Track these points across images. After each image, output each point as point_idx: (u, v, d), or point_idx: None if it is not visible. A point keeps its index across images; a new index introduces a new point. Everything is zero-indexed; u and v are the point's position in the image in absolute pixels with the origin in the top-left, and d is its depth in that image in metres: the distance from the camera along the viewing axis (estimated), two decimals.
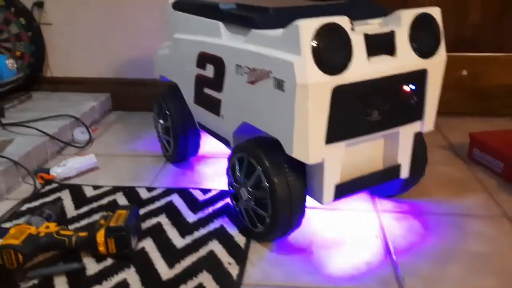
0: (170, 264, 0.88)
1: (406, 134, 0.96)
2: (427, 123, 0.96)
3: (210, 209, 1.08)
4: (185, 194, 1.15)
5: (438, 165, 1.33)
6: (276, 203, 0.87)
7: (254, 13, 0.91)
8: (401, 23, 0.87)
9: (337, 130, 0.84)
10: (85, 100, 1.71)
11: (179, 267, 0.88)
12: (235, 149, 0.96)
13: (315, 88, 0.77)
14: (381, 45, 0.86)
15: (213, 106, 1.06)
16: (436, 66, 0.92)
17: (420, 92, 0.92)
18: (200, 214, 1.06)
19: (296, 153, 0.83)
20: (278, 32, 0.83)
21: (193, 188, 1.18)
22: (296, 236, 0.97)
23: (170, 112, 1.25)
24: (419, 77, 0.91)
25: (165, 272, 0.86)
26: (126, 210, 0.95)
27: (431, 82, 0.92)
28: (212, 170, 1.30)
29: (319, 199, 0.90)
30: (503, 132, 1.37)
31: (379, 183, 1.00)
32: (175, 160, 1.32)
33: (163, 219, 1.04)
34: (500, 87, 1.67)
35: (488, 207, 1.10)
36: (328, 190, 0.89)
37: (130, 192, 1.16)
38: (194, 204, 1.10)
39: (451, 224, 1.03)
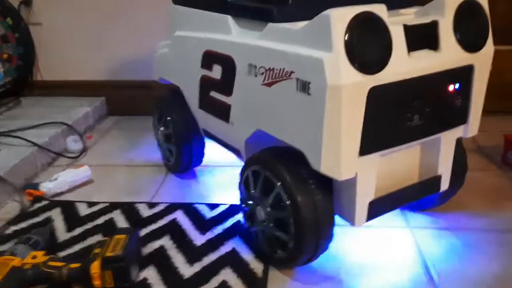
0: None
1: (448, 140, 0.82)
2: (472, 127, 0.83)
3: (220, 228, 0.95)
4: (191, 210, 1.02)
5: (471, 171, 1.18)
6: (301, 226, 0.74)
7: (270, 4, 0.77)
8: (444, 12, 0.74)
9: (373, 139, 0.71)
10: (78, 105, 1.57)
11: None
12: (249, 161, 0.83)
13: (349, 90, 0.64)
14: (422, 38, 0.72)
15: (222, 112, 0.93)
16: (483, 61, 0.79)
17: (465, 91, 0.79)
18: (209, 235, 0.93)
19: (325, 168, 0.70)
20: (301, 25, 0.69)
21: (199, 203, 1.05)
22: (321, 261, 0.84)
23: (171, 118, 1.12)
24: (465, 74, 0.77)
25: None
26: (125, 234, 0.81)
27: (477, 79, 0.79)
28: (219, 181, 1.16)
29: (351, 220, 0.77)
30: None
31: (418, 198, 0.87)
32: (178, 170, 1.18)
33: (167, 242, 0.91)
34: None
35: None
36: (361, 209, 0.76)
37: (129, 210, 1.03)
38: (201, 222, 0.97)
39: (495, 242, 0.90)
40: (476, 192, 1.08)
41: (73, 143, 1.36)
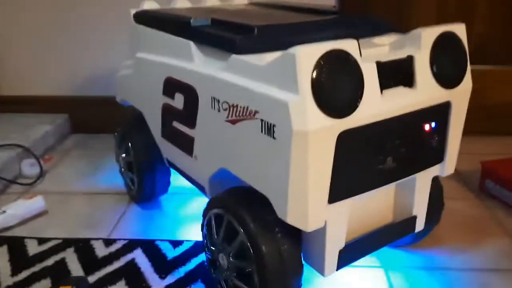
0: None
1: (423, 180, 0.77)
2: (448, 165, 0.78)
3: (182, 271, 0.87)
4: (151, 248, 0.94)
5: (448, 200, 1.14)
6: (265, 278, 0.67)
7: (234, 33, 0.71)
8: (421, 45, 0.68)
9: (344, 186, 0.65)
10: (37, 123, 1.47)
11: None
12: (211, 202, 0.76)
13: (316, 136, 0.58)
14: (397, 74, 0.67)
15: (185, 144, 0.86)
16: (461, 97, 0.73)
17: (442, 129, 0.74)
18: (170, 279, 0.85)
19: (291, 218, 0.63)
20: (267, 59, 0.63)
21: (161, 240, 0.97)
22: None
23: (132, 145, 1.04)
24: (442, 112, 0.72)
25: None
26: (70, 286, 0.74)
27: (455, 116, 0.74)
28: (186, 212, 1.09)
29: (320, 270, 0.71)
30: None
31: (392, 241, 0.81)
32: (140, 200, 1.11)
33: None
34: (509, 104, 1.50)
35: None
36: (331, 258, 0.70)
37: (83, 248, 0.95)
38: (162, 263, 0.89)
39: (475, 282, 0.85)
40: (454, 225, 1.04)
41: (29, 167, 1.27)
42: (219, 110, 0.72)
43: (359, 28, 0.79)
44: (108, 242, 0.97)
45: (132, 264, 0.90)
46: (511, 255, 0.93)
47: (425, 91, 0.68)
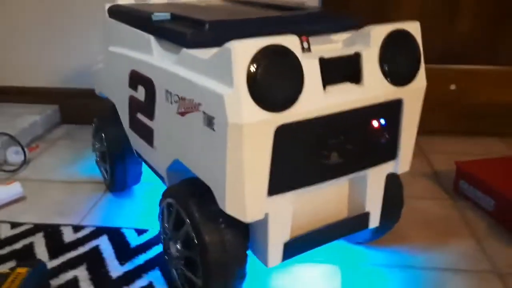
0: None
1: (375, 177, 0.78)
2: (403, 163, 0.79)
3: (142, 258, 0.89)
4: (117, 235, 0.96)
5: (419, 199, 1.15)
6: (208, 267, 0.69)
7: (187, 28, 0.72)
8: (370, 42, 0.69)
9: (284, 179, 0.66)
10: (27, 113, 1.51)
11: None
12: (165, 192, 0.78)
13: (252, 129, 0.59)
14: (342, 71, 0.67)
15: (147, 135, 0.87)
16: (414, 95, 0.74)
17: (393, 127, 0.74)
18: (129, 266, 0.87)
19: (230, 208, 0.65)
20: (210, 53, 0.64)
21: (128, 228, 0.99)
22: None
23: (105, 136, 1.06)
24: (392, 109, 0.73)
25: None
26: (27, 268, 0.76)
27: (407, 114, 0.74)
28: (157, 201, 1.11)
29: (264, 261, 0.72)
30: (495, 161, 1.20)
31: (344, 236, 0.82)
32: (114, 189, 1.13)
33: (81, 273, 0.85)
34: (492, 104, 1.49)
35: (475, 259, 0.92)
36: (275, 250, 0.71)
37: (52, 233, 0.97)
38: (124, 251, 0.91)
39: (432, 281, 0.85)
40: (421, 224, 1.04)
41: (14, 155, 1.30)
42: (171, 103, 0.73)
43: (321, 25, 0.80)
44: (77, 228, 0.99)
45: (95, 250, 0.92)
46: (473, 257, 0.93)
47: (373, 88, 0.69)
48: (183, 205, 0.71)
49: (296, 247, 0.74)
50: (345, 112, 0.67)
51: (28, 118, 1.47)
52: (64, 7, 1.52)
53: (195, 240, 0.69)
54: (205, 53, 0.67)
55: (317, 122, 0.65)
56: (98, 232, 0.98)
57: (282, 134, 0.62)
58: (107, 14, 1.02)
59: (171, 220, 0.75)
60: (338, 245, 0.95)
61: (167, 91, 0.74)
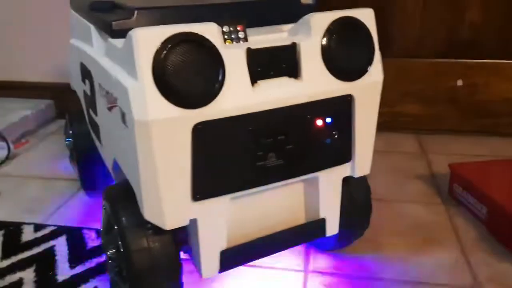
0: None
1: (328, 181, 0.70)
2: (360, 165, 0.71)
3: (94, 261, 0.85)
4: (76, 236, 0.93)
5: (407, 203, 1.06)
6: (133, 278, 0.63)
7: (115, 17, 0.67)
8: (311, 32, 0.61)
9: (211, 183, 0.60)
10: (19, 108, 1.51)
11: None
12: (102, 193, 0.73)
13: (162, 127, 0.54)
14: (277, 64, 0.60)
15: (96, 131, 0.83)
16: (366, 90, 0.66)
17: (343, 126, 0.66)
18: (78, 269, 0.83)
19: (148, 214, 0.59)
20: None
21: (89, 228, 0.95)
22: None
23: (72, 132, 1.03)
24: (339, 107, 0.65)
25: None
26: None
27: (360, 112, 0.67)
28: None
29: (199, 270, 0.66)
30: (493, 164, 1.09)
31: (299, 243, 0.75)
32: (85, 188, 1.10)
33: (28, 275, 0.82)
34: (503, 101, 1.37)
35: (455, 272, 0.83)
36: (209, 259, 0.65)
37: (12, 232, 0.95)
38: (78, 253, 0.88)
39: None
40: (404, 231, 0.95)
41: None
42: (103, 97, 0.68)
43: (272, 14, 0.73)
44: (39, 227, 0.97)
45: (50, 251, 0.89)
46: (453, 269, 0.84)
47: (314, 83, 0.62)
48: (112, 209, 0.66)
49: (236, 257, 0.67)
50: (280, 109, 0.60)
51: (19, 113, 1.46)
52: (62, 2, 1.51)
53: (121, 248, 0.64)
54: (120, 44, 0.61)
55: (245, 120, 0.58)
56: (58, 232, 0.95)
57: (203, 133, 0.56)
58: (70, 6, 0.98)
59: (104, 224, 0.70)
60: (309, 251, 0.88)
61: (99, 84, 0.69)
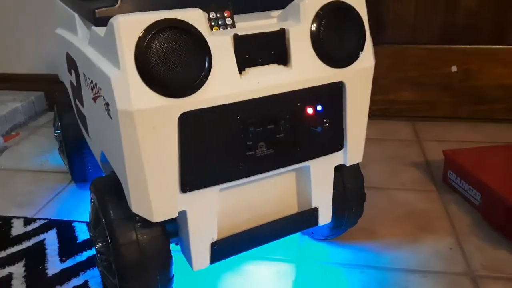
0: None
1: (320, 169, 0.69)
2: (352, 154, 0.69)
3: (84, 255, 0.84)
4: (66, 230, 0.92)
5: (402, 191, 1.05)
6: (122, 272, 0.62)
7: (99, 4, 0.65)
8: (300, 17, 0.60)
9: (200, 173, 0.58)
10: (9, 101, 1.48)
11: None
12: (90, 185, 0.72)
13: (146, 117, 0.52)
14: (266, 50, 0.59)
15: (83, 123, 0.82)
16: (358, 77, 0.64)
17: (334, 114, 0.65)
18: (69, 263, 0.82)
19: (136, 207, 0.58)
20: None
21: (80, 222, 0.94)
22: None
23: (61, 123, 1.01)
24: (330, 94, 0.64)
25: None
26: None
27: (352, 99, 0.65)
28: None
29: (190, 263, 0.65)
30: (488, 150, 1.08)
31: (291, 233, 0.74)
32: (75, 181, 1.08)
33: (18, 270, 0.81)
34: (498, 87, 1.36)
35: (449, 259, 0.82)
36: (199, 251, 0.64)
37: (1, 226, 0.94)
38: (69, 247, 0.87)
39: (395, 284, 0.76)
40: (398, 218, 0.94)
41: None
42: (88, 87, 0.67)
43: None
44: (29, 221, 0.95)
45: (40, 245, 0.87)
46: (448, 257, 0.83)
47: (304, 70, 0.60)
48: (100, 201, 0.65)
49: (227, 248, 0.66)
50: (269, 97, 0.59)
51: (8, 106, 1.44)
52: None
53: (109, 241, 0.63)
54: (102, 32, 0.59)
55: (233, 109, 0.57)
56: (48, 225, 0.93)
57: (189, 122, 0.55)
58: None
59: (92, 217, 0.69)
60: (299, 241, 0.87)
61: (84, 75, 0.68)
